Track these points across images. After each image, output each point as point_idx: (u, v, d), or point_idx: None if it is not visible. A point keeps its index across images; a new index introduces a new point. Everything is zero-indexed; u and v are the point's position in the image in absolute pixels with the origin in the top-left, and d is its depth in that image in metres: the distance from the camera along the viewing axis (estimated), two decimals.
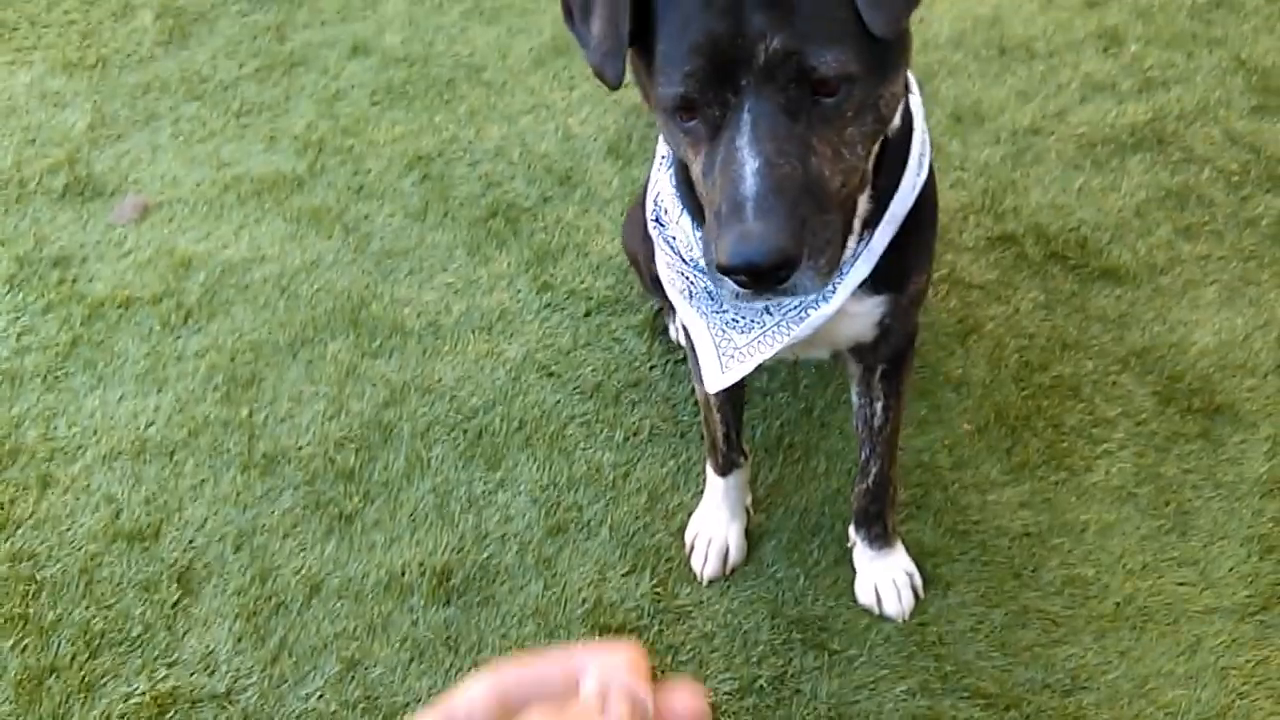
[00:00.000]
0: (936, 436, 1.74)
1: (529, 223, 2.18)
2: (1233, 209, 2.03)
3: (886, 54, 0.94)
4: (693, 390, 1.79)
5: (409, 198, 2.26)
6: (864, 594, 1.57)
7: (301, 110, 2.52)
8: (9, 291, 2.13)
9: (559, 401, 1.84)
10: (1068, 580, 1.56)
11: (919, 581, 1.57)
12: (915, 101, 1.19)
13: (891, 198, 1.15)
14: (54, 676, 1.56)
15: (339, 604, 1.61)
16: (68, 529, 1.73)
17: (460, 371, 1.91)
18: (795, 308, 1.18)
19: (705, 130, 0.94)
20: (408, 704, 1.49)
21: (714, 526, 1.62)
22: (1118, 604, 1.53)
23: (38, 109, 2.59)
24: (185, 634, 1.59)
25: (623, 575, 1.61)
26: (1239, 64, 2.33)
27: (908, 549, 1.59)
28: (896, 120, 1.09)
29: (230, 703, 1.51)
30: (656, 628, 1.56)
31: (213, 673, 1.55)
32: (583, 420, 1.81)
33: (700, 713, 0.45)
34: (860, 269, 1.15)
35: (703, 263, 1.19)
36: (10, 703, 1.53)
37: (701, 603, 1.59)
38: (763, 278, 0.89)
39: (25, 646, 1.59)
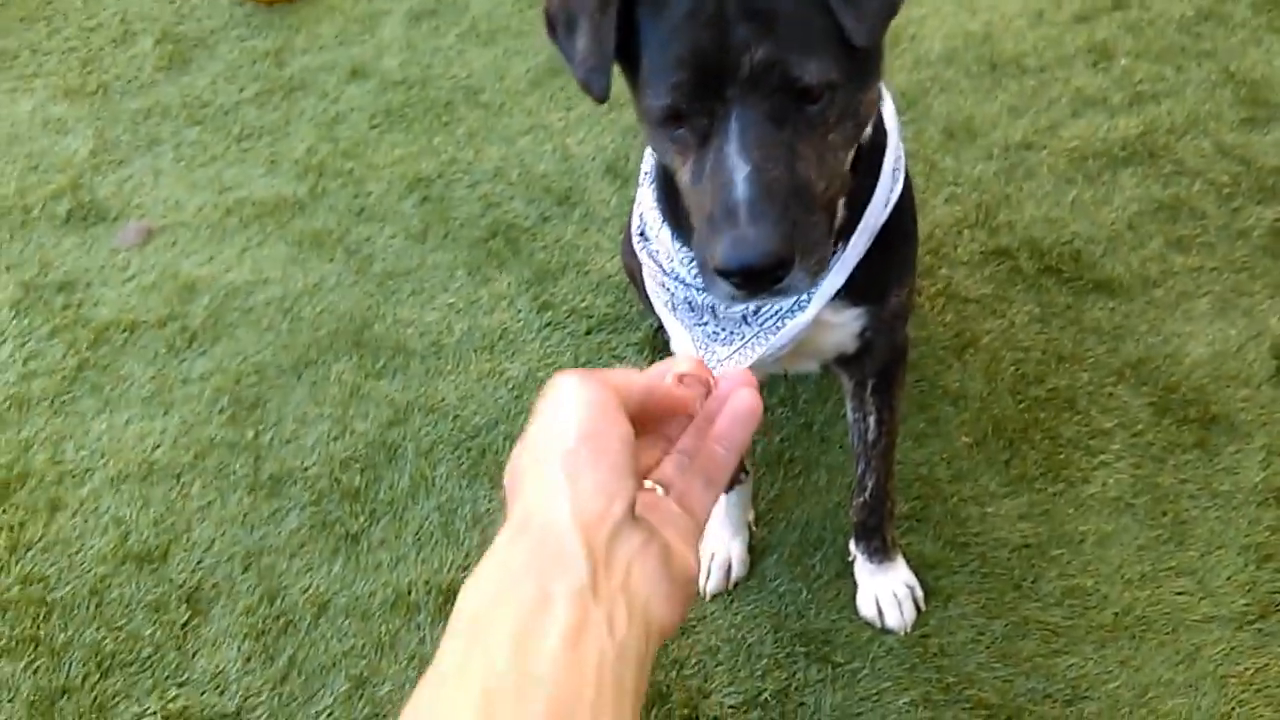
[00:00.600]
0: (935, 449, 1.76)
1: (529, 242, 2.21)
2: (1224, 221, 2.05)
3: (865, 62, 0.98)
4: None
5: (409, 219, 2.29)
6: (866, 607, 1.58)
7: (301, 134, 2.55)
8: (15, 317, 2.15)
9: None
10: (1067, 591, 1.58)
11: (920, 594, 1.59)
12: (889, 111, 1.21)
13: (866, 207, 1.17)
14: (66, 697, 1.57)
15: (347, 622, 1.63)
16: (77, 551, 1.75)
17: (463, 391, 1.93)
18: (773, 317, 1.20)
19: (693, 139, 0.96)
20: None
21: (717, 542, 1.64)
22: (1117, 614, 1.55)
23: (40, 136, 2.62)
24: (195, 654, 1.61)
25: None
26: (1228, 76, 2.36)
27: (908, 561, 1.61)
28: (868, 129, 1.12)
29: None
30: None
31: (223, 692, 1.56)
32: None
33: (748, 378, 0.65)
34: (834, 279, 1.17)
35: (682, 274, 1.21)
36: None
37: (705, 617, 1.60)
38: (758, 279, 0.92)
39: (37, 668, 1.61)
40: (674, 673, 1.53)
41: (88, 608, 1.68)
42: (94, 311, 2.15)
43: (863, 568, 1.59)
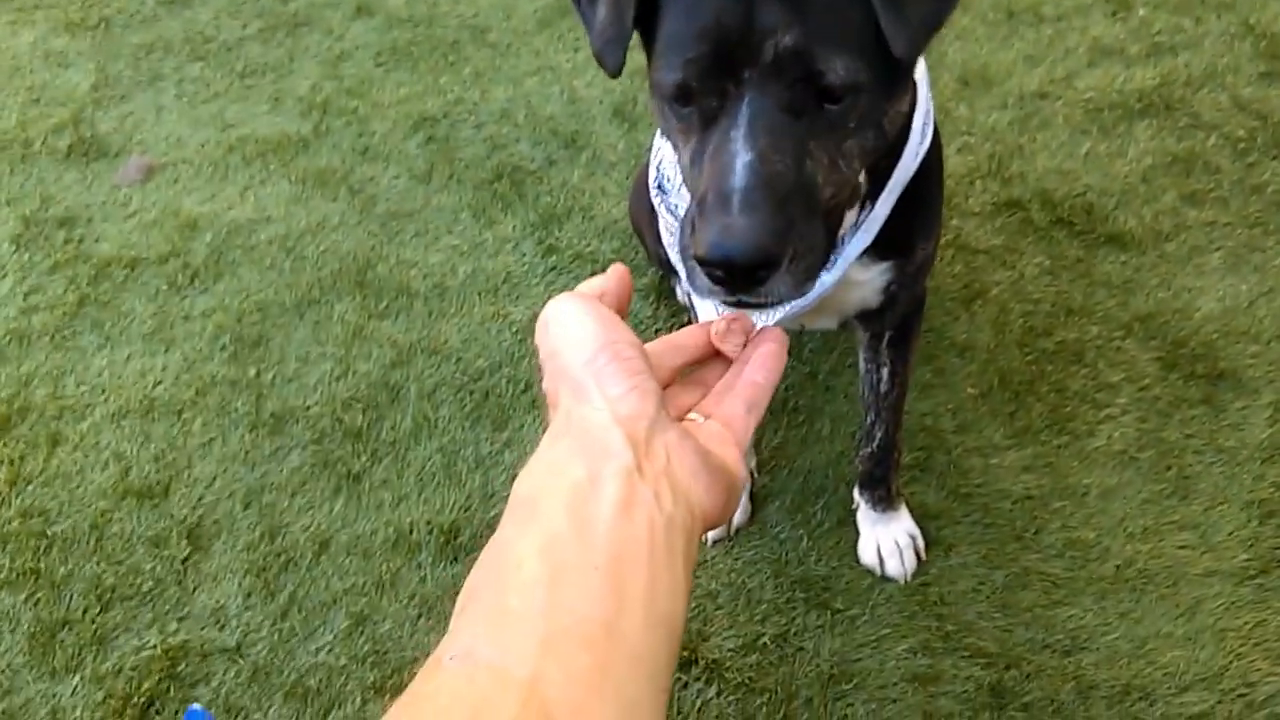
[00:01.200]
0: (940, 400, 1.75)
1: (534, 185, 2.18)
2: (1239, 175, 2.02)
3: (898, 69, 0.91)
4: None
5: (414, 160, 2.26)
6: (867, 555, 1.58)
7: (306, 71, 2.51)
8: (15, 251, 2.14)
9: None
10: (1069, 543, 1.58)
11: (921, 543, 1.59)
12: (920, 68, 1.18)
13: (893, 165, 1.14)
14: (66, 629, 1.58)
15: (348, 560, 1.63)
16: (77, 486, 1.75)
17: (466, 333, 1.92)
18: None
19: (699, 120, 0.90)
20: (415, 658, 1.51)
21: None
22: (1118, 567, 1.55)
23: (41, 69, 2.59)
24: (195, 589, 1.61)
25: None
26: (1247, 29, 2.32)
27: (911, 511, 1.61)
28: (890, 140, 1.06)
29: (241, 656, 1.53)
30: None
31: (223, 627, 1.57)
32: None
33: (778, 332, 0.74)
34: (862, 237, 1.14)
35: None
36: (24, 654, 1.55)
37: (705, 562, 1.60)
38: (739, 275, 0.84)
39: (38, 600, 1.61)
40: None
41: (88, 542, 1.68)
42: (95, 247, 2.14)
43: (865, 516, 1.59)
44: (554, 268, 2.00)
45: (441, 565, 1.61)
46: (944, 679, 1.46)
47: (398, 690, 0.53)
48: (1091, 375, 1.76)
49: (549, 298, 0.66)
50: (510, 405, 1.80)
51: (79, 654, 1.55)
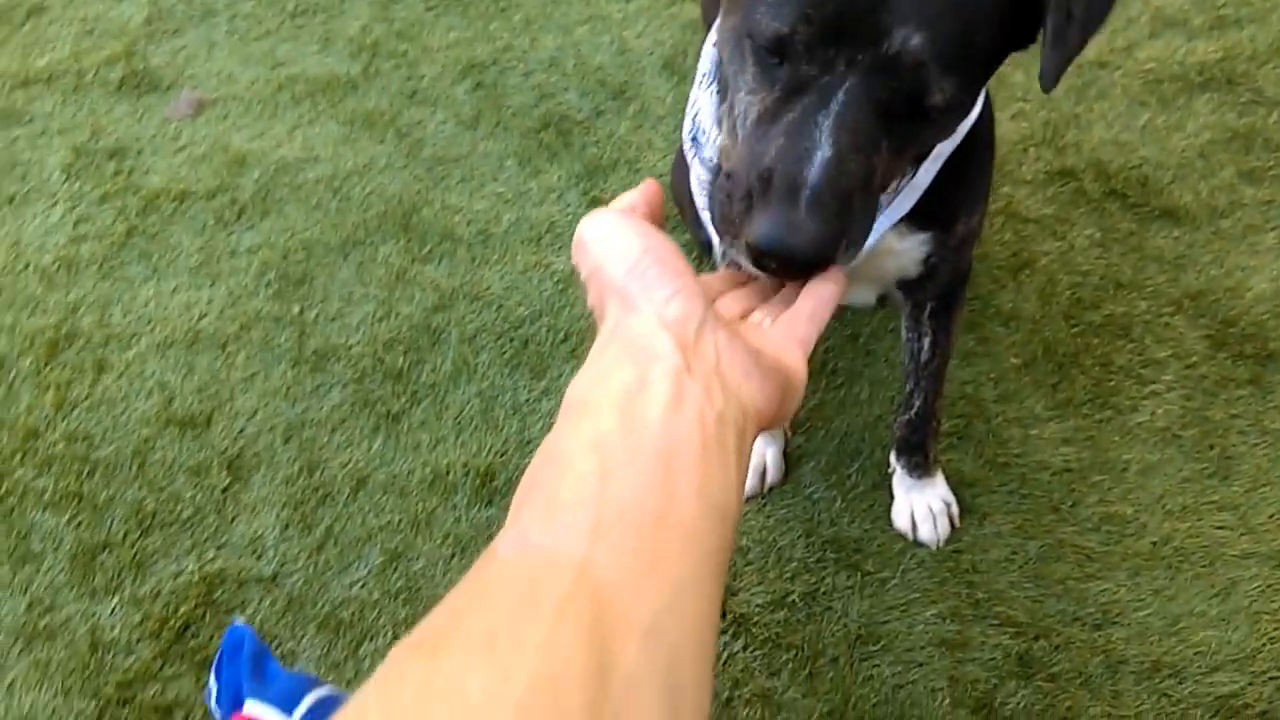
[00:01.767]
0: (983, 369, 1.74)
1: (581, 136, 2.17)
2: None
3: (978, 92, 0.89)
4: None
5: (462, 105, 2.26)
6: (900, 519, 1.58)
7: (356, 12, 2.51)
8: (66, 180, 2.16)
9: None
10: (1105, 517, 1.57)
11: (955, 510, 1.58)
12: None
13: None
14: (107, 552, 1.61)
15: (384, 498, 1.64)
16: (122, 413, 1.77)
17: (508, 281, 1.92)
18: None
19: (786, 83, 0.82)
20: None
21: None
22: (1154, 543, 1.54)
23: (96, 1, 2.59)
24: (234, 519, 1.64)
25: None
26: None
27: (947, 478, 1.60)
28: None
29: (276, 585, 1.56)
30: None
31: (260, 556, 1.59)
32: None
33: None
34: (901, 204, 1.11)
35: None
36: (66, 573, 1.59)
37: None
38: (792, 265, 0.79)
39: (80, 522, 1.64)
40: None
41: (130, 468, 1.70)
42: (144, 179, 2.15)
43: (901, 481, 1.59)
44: None
45: (476, 507, 1.62)
46: (972, 646, 1.46)
47: None
48: (1138, 350, 1.74)
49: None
50: (549, 354, 1.81)
51: (118, 576, 1.58)
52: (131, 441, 1.73)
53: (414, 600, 1.53)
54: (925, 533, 1.56)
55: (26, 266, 2.00)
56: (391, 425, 1.73)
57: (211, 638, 1.51)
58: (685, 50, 2.31)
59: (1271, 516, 1.56)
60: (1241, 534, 1.54)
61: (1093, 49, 2.20)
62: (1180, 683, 1.42)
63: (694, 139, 1.25)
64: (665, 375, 0.55)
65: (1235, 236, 1.87)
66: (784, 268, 0.78)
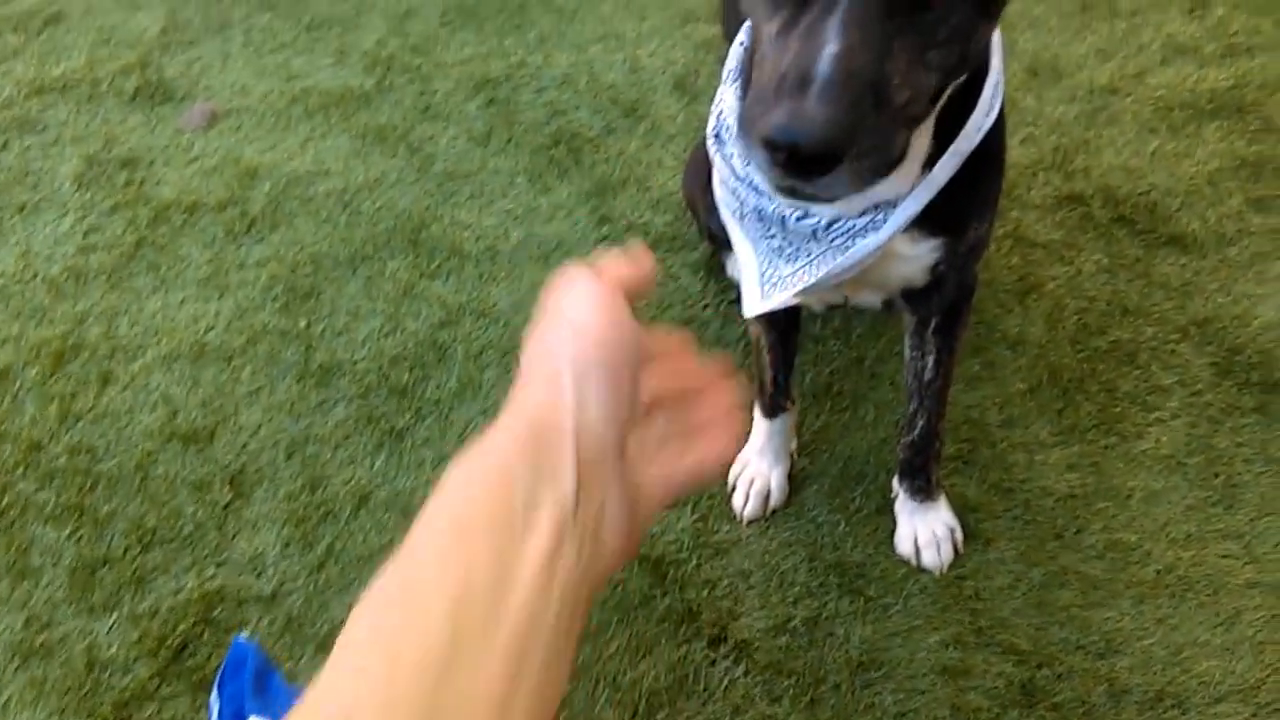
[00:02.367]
0: (988, 393, 1.73)
1: (591, 153, 2.18)
2: None
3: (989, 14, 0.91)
4: (744, 332, 1.80)
5: (474, 121, 2.27)
6: (903, 544, 1.57)
7: (372, 26, 2.52)
8: (77, 190, 2.17)
9: None
10: (1110, 545, 1.56)
11: (959, 536, 1.57)
12: (995, 40, 1.16)
13: (957, 134, 1.12)
14: (106, 567, 1.61)
15: (386, 516, 1.64)
16: (125, 425, 1.78)
17: (516, 298, 1.93)
18: (843, 235, 1.16)
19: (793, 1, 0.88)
20: None
21: (757, 468, 1.63)
22: (1158, 572, 1.53)
23: (112, 10, 2.61)
24: (235, 535, 1.64)
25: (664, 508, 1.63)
26: None
27: (951, 503, 1.59)
28: (967, 70, 1.06)
29: (276, 604, 1.55)
30: (694, 562, 1.58)
31: (260, 574, 1.59)
32: None
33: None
34: (915, 201, 1.13)
35: (757, 179, 1.16)
36: (65, 589, 1.58)
37: (740, 541, 1.60)
38: (802, 161, 0.84)
39: (80, 537, 1.64)
40: (705, 592, 1.54)
41: (133, 482, 1.71)
42: (155, 190, 2.16)
43: (904, 505, 1.58)
44: (606, 237, 2.00)
45: None
46: (974, 673, 1.45)
47: None
48: (1143, 377, 1.74)
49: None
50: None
51: (117, 593, 1.58)
52: (134, 455, 1.73)
53: None
54: (929, 558, 1.56)
55: (35, 276, 2.01)
56: (395, 442, 1.73)
57: (210, 657, 1.50)
58: (697, 70, 2.32)
59: (1276, 545, 1.55)
60: (1246, 563, 1.53)
61: (1104, 75, 2.21)
62: (1184, 713, 1.41)
63: (718, 135, 1.25)
64: (551, 516, 0.53)
65: (1242, 264, 1.87)
66: (794, 163, 0.83)
